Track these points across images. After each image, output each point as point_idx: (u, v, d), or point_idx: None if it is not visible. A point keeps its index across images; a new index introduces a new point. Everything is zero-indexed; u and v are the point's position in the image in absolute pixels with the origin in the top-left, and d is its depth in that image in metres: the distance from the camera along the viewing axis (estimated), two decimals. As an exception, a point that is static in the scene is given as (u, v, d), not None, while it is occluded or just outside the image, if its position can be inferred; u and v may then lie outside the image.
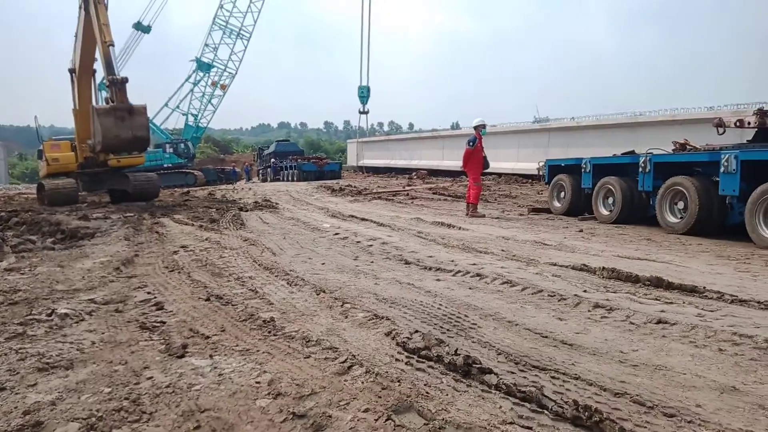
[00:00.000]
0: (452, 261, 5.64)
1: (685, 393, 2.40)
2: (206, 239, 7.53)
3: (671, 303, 3.90)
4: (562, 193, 11.29)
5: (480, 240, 7.19)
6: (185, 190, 22.35)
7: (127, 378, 2.69)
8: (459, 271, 5.11)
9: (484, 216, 10.76)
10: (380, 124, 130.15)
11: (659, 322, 3.44)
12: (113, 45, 12.94)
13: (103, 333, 3.43)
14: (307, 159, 32.56)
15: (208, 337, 3.33)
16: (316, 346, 3.13)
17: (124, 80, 12.56)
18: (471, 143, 11.13)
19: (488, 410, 2.27)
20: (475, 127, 11.36)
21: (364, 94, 30.96)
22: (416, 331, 3.26)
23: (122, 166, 16.16)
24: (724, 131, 8.53)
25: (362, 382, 2.59)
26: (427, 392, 2.45)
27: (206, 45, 36.08)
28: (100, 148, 12.78)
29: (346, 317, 3.73)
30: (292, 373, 2.73)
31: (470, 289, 4.49)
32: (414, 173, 26.51)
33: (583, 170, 10.58)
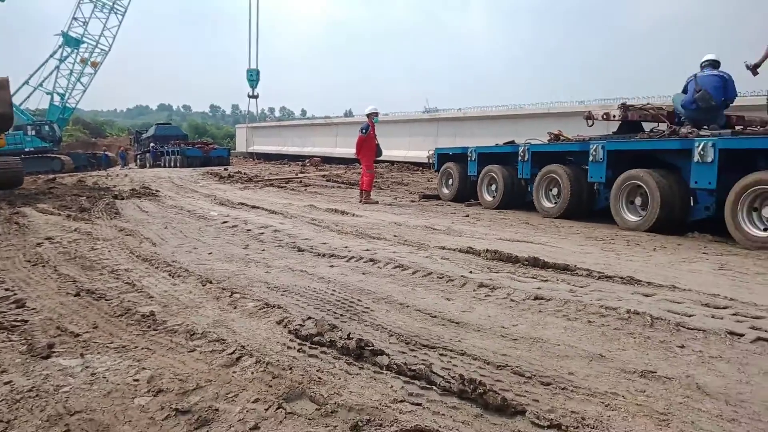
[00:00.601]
0: (346, 247, 5.65)
1: (559, 362, 2.60)
2: (75, 230, 6.86)
3: (547, 281, 4.21)
4: (450, 181, 11.77)
5: (373, 226, 7.27)
6: (51, 176, 20.15)
7: (-24, 386, 2.36)
8: (353, 257, 5.12)
9: (377, 203, 10.90)
10: (271, 110, 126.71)
11: (536, 298, 3.70)
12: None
13: (-55, 337, 2.98)
14: (192, 144, 30.85)
15: (78, 335, 3.02)
16: (202, 338, 2.96)
17: None
18: (364, 131, 11.20)
19: (380, 390, 2.29)
20: (368, 115, 11.45)
21: (253, 77, 29.94)
22: (309, 318, 3.21)
23: None
24: (593, 123, 9.36)
25: (252, 373, 2.50)
26: (319, 378, 2.42)
27: (75, 18, 32.70)
28: None
29: (235, 308, 3.58)
30: (174, 368, 2.56)
31: (363, 274, 4.52)
32: (307, 160, 26.22)
33: (469, 159, 11.09)
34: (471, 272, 4.51)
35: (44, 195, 11.64)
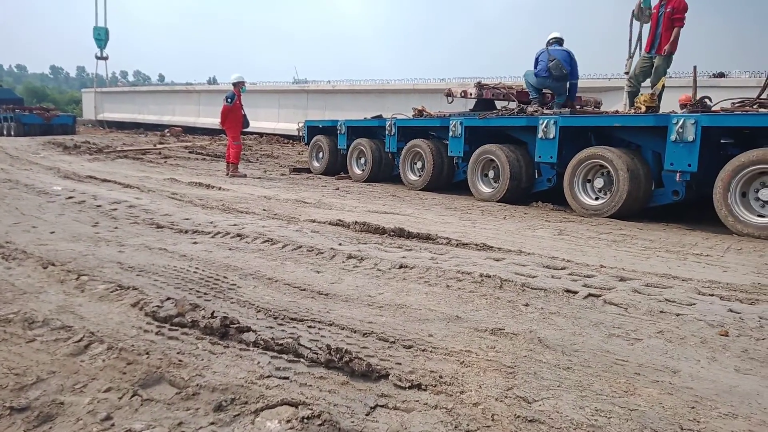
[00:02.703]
0: (211, 222, 5.40)
1: (420, 326, 2.76)
2: None
3: (411, 250, 4.42)
4: (321, 154, 11.74)
5: (241, 200, 7.04)
6: None
7: None
8: (218, 233, 4.92)
9: (245, 176, 10.54)
10: (124, 74, 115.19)
11: (401, 267, 3.87)
12: None
13: None
14: (30, 110, 27.06)
15: None
16: (44, 327, 2.67)
17: None
18: (229, 100, 10.71)
19: (246, 368, 2.26)
20: (234, 84, 10.95)
21: (101, 36, 26.91)
22: (168, 299, 3.03)
23: None
24: (453, 100, 9.87)
25: (103, 360, 2.31)
26: (180, 360, 2.32)
27: None
28: None
29: (83, 291, 3.27)
30: (9, 362, 2.28)
31: (230, 250, 4.37)
32: (167, 130, 24.40)
33: (338, 132, 11.13)
34: (340, 244, 4.58)
35: None
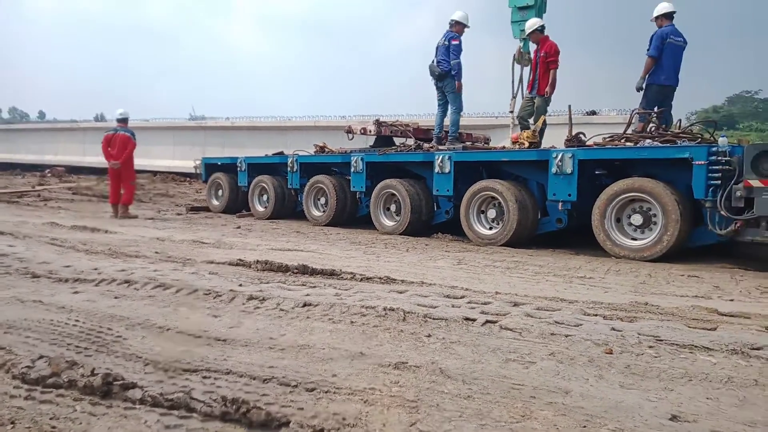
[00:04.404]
0: (95, 269, 4.98)
1: (324, 366, 2.69)
2: None
3: (315, 287, 4.35)
4: (220, 191, 11.39)
5: (131, 243, 6.58)
6: None
7: None
8: (103, 280, 4.54)
9: (136, 217, 9.91)
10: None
11: (305, 305, 3.79)
12: None
13: None
14: None
15: None
16: None
17: None
18: (134, 136, 10.19)
19: (131, 429, 2.06)
20: (125, 120, 10.41)
21: (-32, 69, 24.44)
22: (41, 357, 2.72)
23: None
24: (353, 137, 10.05)
25: (-43, 436, 2.01)
26: (53, 427, 2.07)
27: None
28: None
29: (-65, 356, 2.84)
30: None
31: (116, 298, 4.04)
32: (48, 170, 22.50)
33: (239, 169, 10.89)
34: (240, 285, 4.40)
35: None
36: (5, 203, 12.03)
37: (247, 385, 2.45)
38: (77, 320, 3.43)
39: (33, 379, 2.47)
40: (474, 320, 3.44)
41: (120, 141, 10.02)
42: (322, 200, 9.25)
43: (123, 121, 10.31)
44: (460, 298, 4.01)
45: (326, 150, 10.09)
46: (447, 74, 8.36)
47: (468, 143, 9.01)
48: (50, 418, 2.15)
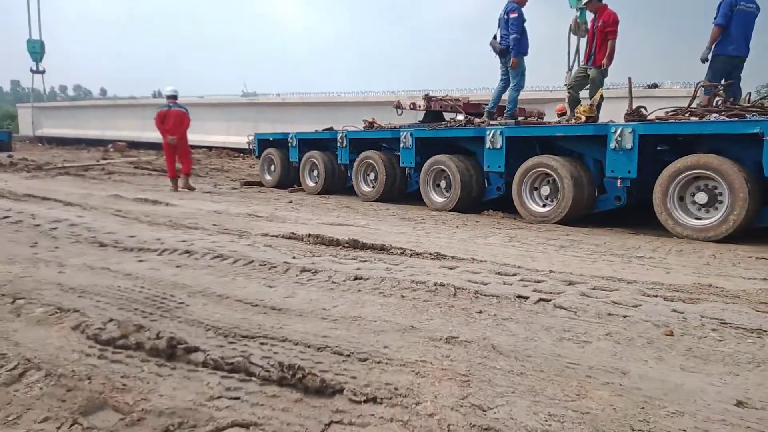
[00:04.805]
0: (158, 239, 5.21)
1: (375, 337, 2.74)
2: None
3: (365, 261, 4.40)
4: (273, 167, 11.60)
5: (189, 216, 6.84)
6: None
7: None
8: (165, 250, 4.75)
9: (194, 189, 10.28)
10: (63, 88, 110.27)
11: (356, 278, 3.84)
12: None
13: None
14: (-41, 125, 25.53)
15: None
16: (-28, 356, 2.49)
17: None
18: (186, 110, 10.56)
19: (194, 389, 2.17)
20: (175, 96, 10.78)
21: (36, 49, 25.70)
22: (111, 320, 2.89)
23: None
24: (402, 112, 9.99)
25: (40, 389, 2.17)
26: (124, 385, 2.20)
27: None
28: None
29: (19, 315, 3.07)
30: (-69, 397, 2.11)
31: (178, 267, 4.22)
32: (111, 145, 23.56)
33: (290, 144, 11.04)
34: (294, 258, 4.51)
35: None
36: (73, 176, 12.71)
37: (302, 353, 2.53)
38: (143, 287, 3.62)
39: (104, 340, 2.64)
40: (527, 298, 3.40)
41: (175, 117, 10.37)
42: (372, 176, 9.28)
43: (172, 97, 10.65)
44: (512, 275, 3.96)
45: (375, 125, 10.07)
46: (507, 50, 8.09)
47: (521, 118, 8.77)
48: (121, 377, 2.29)
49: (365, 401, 2.07)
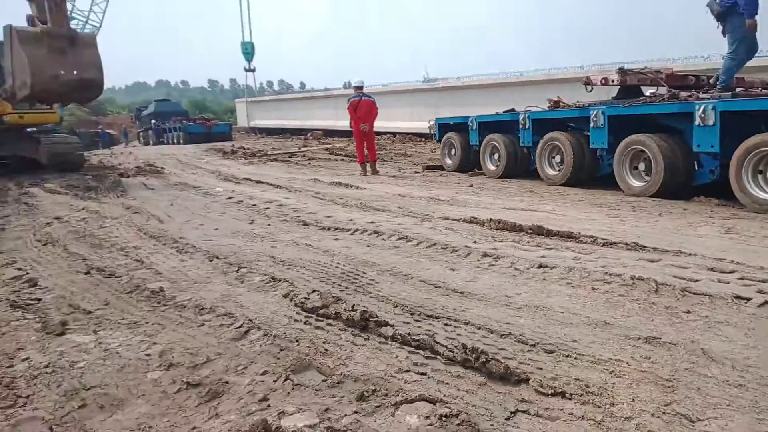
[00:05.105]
0: (350, 220, 5.66)
1: (563, 330, 2.62)
2: (83, 209, 6.89)
3: (551, 249, 4.22)
4: (453, 151, 11.69)
5: (377, 198, 7.27)
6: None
7: (-6, 363, 2.41)
8: (357, 230, 5.14)
9: (379, 174, 10.90)
10: (270, 83, 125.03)
11: (540, 266, 3.71)
12: None
13: (-41, 318, 3.03)
14: (194, 120, 30.65)
15: (90, 312, 3.08)
16: (211, 313, 3.01)
17: None
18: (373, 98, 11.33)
19: (385, 361, 2.33)
20: (361, 87, 11.48)
21: (248, 50, 29.43)
22: (314, 291, 3.24)
23: (26, 124, 11.62)
24: (592, 89, 9.23)
25: (260, 346, 2.54)
26: (325, 349, 2.46)
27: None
28: (26, 94, 8.35)
29: (243, 282, 3.62)
30: (185, 342, 2.61)
31: (368, 246, 4.54)
32: (309, 134, 26.06)
33: (470, 128, 10.99)
34: (475, 242, 4.52)
35: (50, 175, 11.56)
36: (280, 162, 14.40)
37: (485, 338, 2.54)
38: (339, 263, 3.97)
39: (309, 308, 2.97)
40: (748, 299, 2.93)
41: (366, 106, 11.07)
42: (557, 158, 8.79)
43: (359, 87, 11.33)
44: (730, 272, 3.44)
45: (561, 105, 9.50)
46: (729, 11, 6.95)
47: (740, 89, 7.47)
48: (323, 342, 2.56)
49: (553, 394, 2.01)
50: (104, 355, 2.49)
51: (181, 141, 27.52)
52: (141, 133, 35.68)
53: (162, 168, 12.83)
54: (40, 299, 3.34)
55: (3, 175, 10.92)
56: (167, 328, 2.82)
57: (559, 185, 8.55)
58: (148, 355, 2.48)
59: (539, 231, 4.75)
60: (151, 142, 31.92)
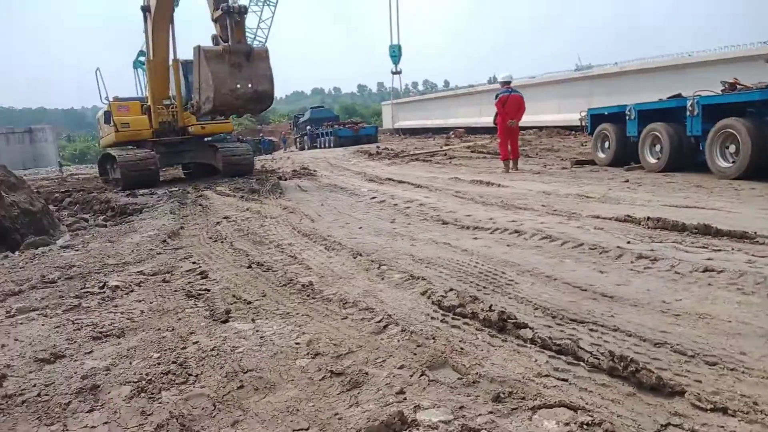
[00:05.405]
0: (490, 219, 5.58)
1: (729, 341, 2.32)
2: (247, 209, 7.71)
3: (719, 250, 3.75)
4: (606, 143, 10.90)
5: (519, 196, 7.07)
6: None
7: (174, 343, 2.82)
8: (497, 229, 5.05)
9: (520, 170, 10.58)
10: (414, 84, 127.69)
11: (705, 270, 3.32)
12: None
13: (151, 302, 3.59)
14: (343, 124, 32.47)
15: (250, 303, 3.44)
16: (353, 307, 3.18)
17: (243, 10, 8.92)
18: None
19: (523, 364, 2.27)
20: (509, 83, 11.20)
21: (395, 53, 30.29)
22: (451, 290, 3.26)
23: (207, 134, 12.94)
24: (781, 66, 7.95)
25: (398, 341, 2.63)
26: (461, 348, 2.47)
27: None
28: (209, 108, 9.11)
29: (383, 279, 3.77)
30: (329, 333, 2.80)
31: (508, 246, 4.44)
32: (451, 132, 26.12)
33: (627, 118, 10.14)
34: (629, 242, 4.19)
35: (221, 179, 13.08)
36: (421, 162, 14.65)
37: (636, 346, 2.35)
38: (477, 262, 3.94)
39: (446, 306, 3.00)
40: None
41: (515, 101, 10.82)
42: (732, 148, 7.73)
43: (507, 83, 11.04)
44: None
45: (738, 87, 8.32)
46: None
47: None
48: (459, 341, 2.57)
49: (712, 410, 1.80)
50: (260, 342, 2.77)
51: (332, 144, 29.34)
52: (297, 139, 38.75)
53: (314, 171, 13.80)
54: (209, 290, 3.82)
55: (184, 180, 12.63)
56: (315, 319, 3.05)
57: (733, 179, 7.53)
58: (297, 343, 2.71)
59: (706, 230, 4.25)
60: (306, 146, 34.52)
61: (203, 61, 8.76)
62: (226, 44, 8.69)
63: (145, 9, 11.90)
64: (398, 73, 31.20)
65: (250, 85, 8.88)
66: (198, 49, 8.90)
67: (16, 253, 5.70)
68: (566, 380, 2.12)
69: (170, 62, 12.22)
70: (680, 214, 5.09)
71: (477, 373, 2.20)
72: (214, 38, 9.32)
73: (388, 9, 28.74)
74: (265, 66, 9.17)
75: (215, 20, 8.96)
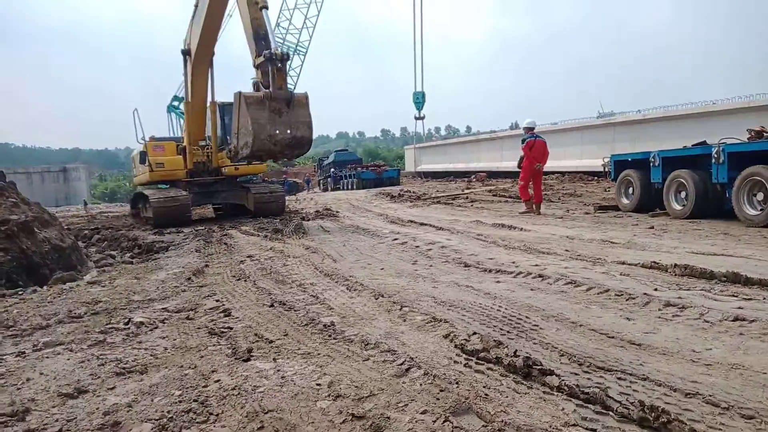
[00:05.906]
0: (513, 262, 5.53)
1: (765, 393, 2.24)
2: (271, 248, 7.78)
3: (750, 299, 3.65)
4: (630, 189, 10.83)
5: (542, 240, 7.01)
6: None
7: (196, 381, 2.82)
8: (520, 273, 5.00)
9: (542, 214, 10.51)
10: (437, 129, 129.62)
11: (736, 319, 3.23)
12: (267, 7, 9.17)
13: (174, 339, 3.61)
14: (366, 167, 32.94)
15: (271, 342, 3.44)
16: (375, 349, 3.15)
17: (285, 56, 8.99)
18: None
19: (550, 412, 2.21)
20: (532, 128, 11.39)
21: (419, 99, 30.95)
22: (475, 333, 3.22)
23: (240, 175, 13.27)
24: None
25: (420, 384, 2.59)
26: (486, 394, 2.42)
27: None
28: (247, 153, 9.03)
29: (405, 320, 3.74)
30: (351, 375, 2.77)
31: (532, 290, 4.39)
32: (473, 176, 26.23)
33: (651, 164, 10.10)
34: (656, 289, 4.10)
35: (246, 219, 13.26)
36: (443, 204, 14.69)
37: (666, 396, 2.27)
38: (500, 306, 3.90)
39: (469, 351, 2.95)
40: None
41: (541, 146, 11.09)
42: (760, 196, 7.61)
43: (531, 129, 11.27)
44: None
45: (765, 134, 8.27)
46: None
47: None
48: (483, 387, 2.52)
49: (752, 469, 1.71)
50: (281, 382, 2.76)
51: (355, 186, 29.70)
52: (321, 180, 39.38)
53: (337, 212, 13.92)
54: (231, 327, 3.83)
55: (213, 219, 12.84)
56: (336, 360, 3.02)
57: (762, 226, 7.37)
58: (318, 384, 2.68)
59: (736, 278, 4.14)
60: (329, 188, 35.01)
61: (243, 107, 8.78)
62: (267, 90, 8.75)
63: (186, 53, 12.26)
64: (422, 118, 31.79)
65: (289, 131, 8.87)
66: (239, 95, 8.94)
67: (45, 287, 5.81)
68: (595, 430, 2.05)
69: (208, 104, 12.60)
70: (708, 261, 4.99)
71: (502, 421, 2.15)
72: (255, 84, 9.40)
73: (413, 58, 29.57)
74: (305, 112, 9.15)
75: (257, 66, 9.04)
